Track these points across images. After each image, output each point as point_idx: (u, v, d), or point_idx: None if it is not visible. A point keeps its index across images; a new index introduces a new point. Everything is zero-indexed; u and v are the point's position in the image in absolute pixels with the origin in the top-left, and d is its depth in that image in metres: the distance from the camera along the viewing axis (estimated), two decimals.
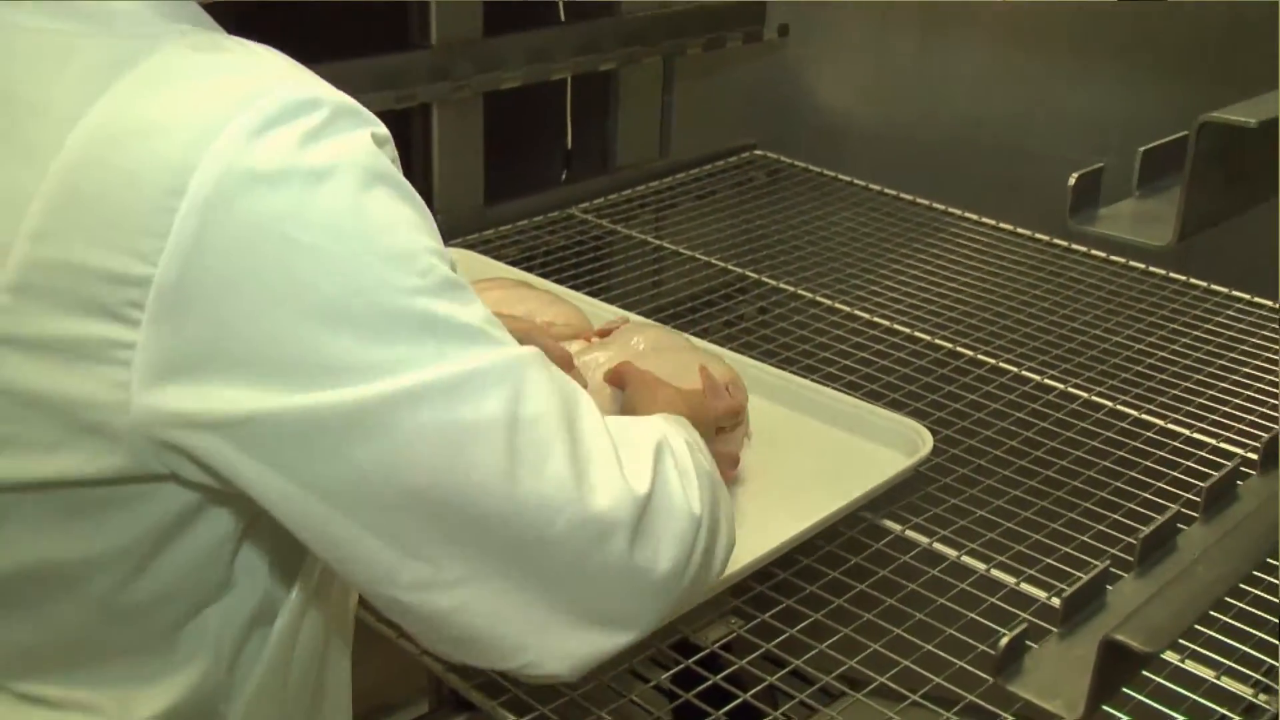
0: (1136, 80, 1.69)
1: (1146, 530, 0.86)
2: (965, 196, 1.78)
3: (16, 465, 0.64)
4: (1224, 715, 0.95)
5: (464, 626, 0.68)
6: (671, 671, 1.03)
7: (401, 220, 0.64)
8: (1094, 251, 1.64)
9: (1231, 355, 1.42)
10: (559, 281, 1.48)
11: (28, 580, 0.69)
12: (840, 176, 1.90)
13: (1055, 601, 1.05)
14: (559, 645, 0.70)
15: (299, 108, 0.61)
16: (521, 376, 0.66)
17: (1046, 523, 1.16)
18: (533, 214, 1.74)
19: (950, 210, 1.78)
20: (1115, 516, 1.16)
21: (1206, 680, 0.98)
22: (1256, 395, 1.34)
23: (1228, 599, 1.00)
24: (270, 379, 0.61)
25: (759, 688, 1.00)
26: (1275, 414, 1.31)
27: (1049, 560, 1.11)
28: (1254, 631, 1.01)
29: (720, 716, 0.96)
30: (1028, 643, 0.79)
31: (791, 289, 1.59)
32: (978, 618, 1.06)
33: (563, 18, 1.86)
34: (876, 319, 1.51)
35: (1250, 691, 0.97)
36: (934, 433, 1.21)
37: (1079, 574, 1.05)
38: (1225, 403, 1.33)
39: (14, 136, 0.62)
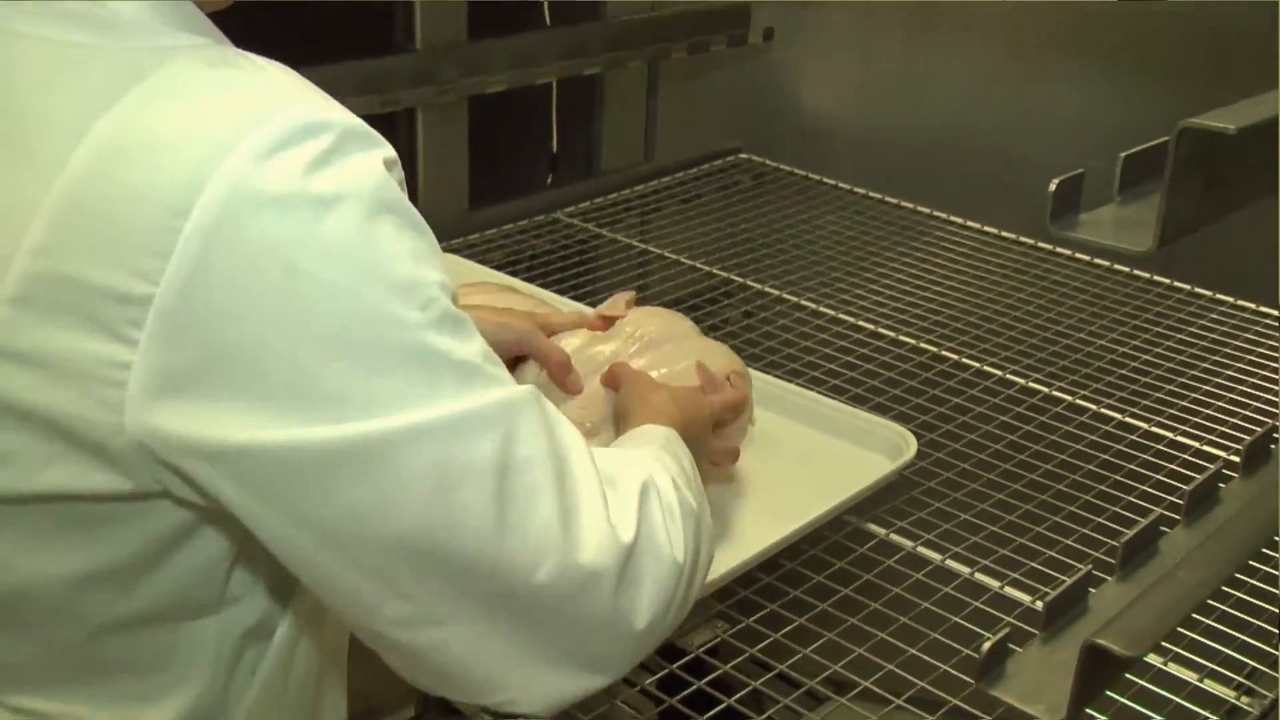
0: (1123, 83, 1.69)
1: (1129, 534, 0.86)
2: (950, 200, 1.79)
3: (10, 478, 0.64)
4: (1207, 718, 0.96)
5: (444, 663, 0.68)
6: (656, 676, 1.03)
7: (405, 251, 0.63)
8: (1079, 255, 1.65)
9: (1215, 358, 1.42)
10: (544, 286, 1.48)
11: (22, 594, 0.69)
12: (825, 180, 1.90)
13: (1039, 605, 1.05)
14: (537, 685, 0.70)
15: (309, 130, 0.60)
16: (515, 418, 0.66)
17: (1031, 526, 1.17)
18: (518, 218, 1.74)
19: (935, 214, 1.79)
20: (1099, 519, 1.17)
21: (1190, 683, 0.98)
22: (1240, 398, 1.35)
23: (1211, 602, 1.01)
24: (265, 407, 0.60)
25: (744, 692, 1.00)
26: (1258, 417, 1.31)
27: (1033, 564, 1.11)
28: (1237, 634, 1.01)
29: None
30: (1011, 646, 0.79)
31: (776, 293, 1.59)
32: (962, 621, 1.06)
33: (548, 22, 1.86)
34: (861, 323, 1.51)
35: (1233, 694, 0.97)
36: (918, 436, 1.21)
37: (1063, 577, 1.05)
38: (1209, 405, 1.33)
39: (18, 147, 0.62)
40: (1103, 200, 0.85)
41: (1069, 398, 1.36)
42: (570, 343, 1.08)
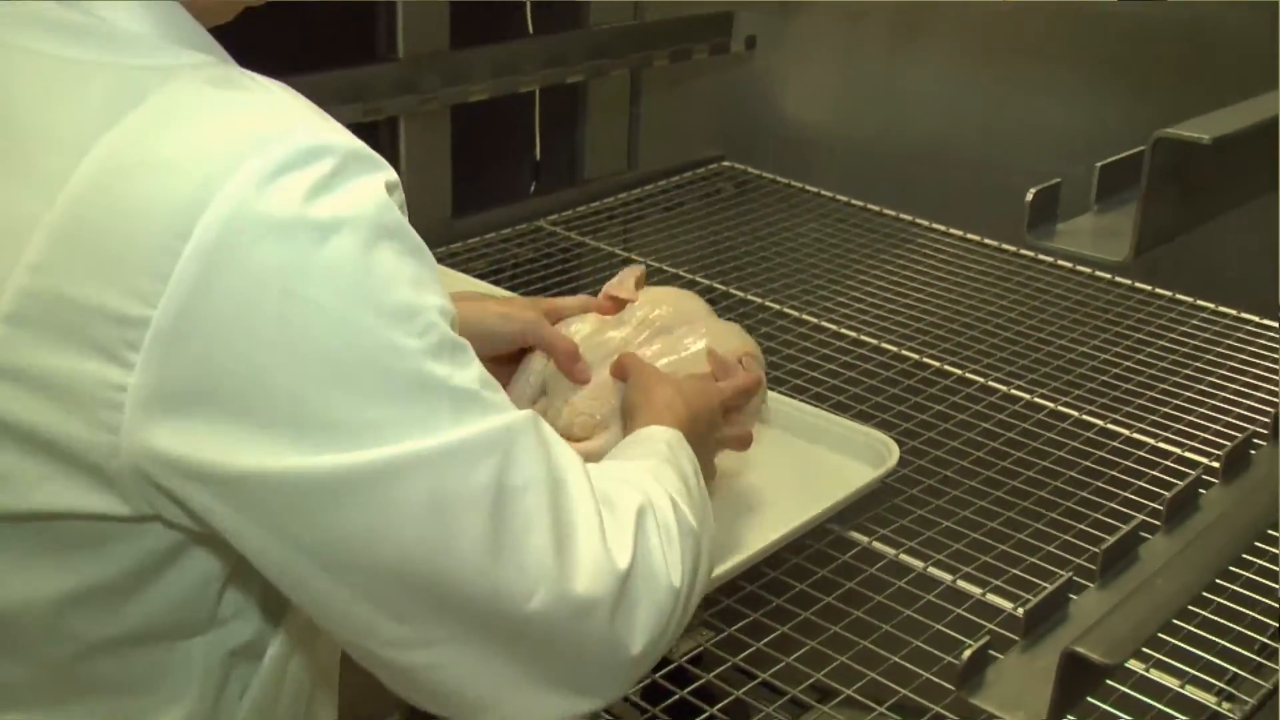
0: (1104, 92, 1.70)
1: (1109, 541, 0.86)
2: (932, 207, 1.79)
3: (5, 497, 0.64)
4: None
5: (437, 683, 0.69)
6: (640, 685, 1.03)
7: (404, 277, 0.63)
8: (1060, 262, 1.65)
9: (1196, 365, 1.43)
10: (527, 294, 1.48)
11: (13, 614, 0.68)
12: (808, 188, 1.91)
13: (1020, 612, 1.05)
14: (529, 708, 0.71)
15: (312, 154, 0.60)
16: (512, 444, 0.66)
17: (1013, 533, 1.17)
18: (501, 227, 1.75)
19: (917, 221, 1.79)
20: (1081, 526, 1.17)
21: (1171, 689, 0.98)
22: (1220, 405, 1.35)
23: (1192, 608, 1.01)
24: (261, 433, 0.60)
25: (727, 701, 1.01)
26: (1238, 423, 1.32)
27: (1015, 571, 1.11)
28: (1218, 640, 1.02)
29: None
30: (991, 653, 0.79)
31: (759, 300, 1.59)
32: (944, 629, 1.06)
33: (530, 30, 1.86)
34: (843, 330, 1.52)
35: (1214, 700, 0.98)
36: (900, 444, 1.21)
37: (1044, 584, 1.06)
38: (1190, 412, 1.34)
39: (18, 163, 0.61)
40: (1083, 208, 0.86)
41: (1050, 404, 1.37)
42: (579, 329, 1.06)
